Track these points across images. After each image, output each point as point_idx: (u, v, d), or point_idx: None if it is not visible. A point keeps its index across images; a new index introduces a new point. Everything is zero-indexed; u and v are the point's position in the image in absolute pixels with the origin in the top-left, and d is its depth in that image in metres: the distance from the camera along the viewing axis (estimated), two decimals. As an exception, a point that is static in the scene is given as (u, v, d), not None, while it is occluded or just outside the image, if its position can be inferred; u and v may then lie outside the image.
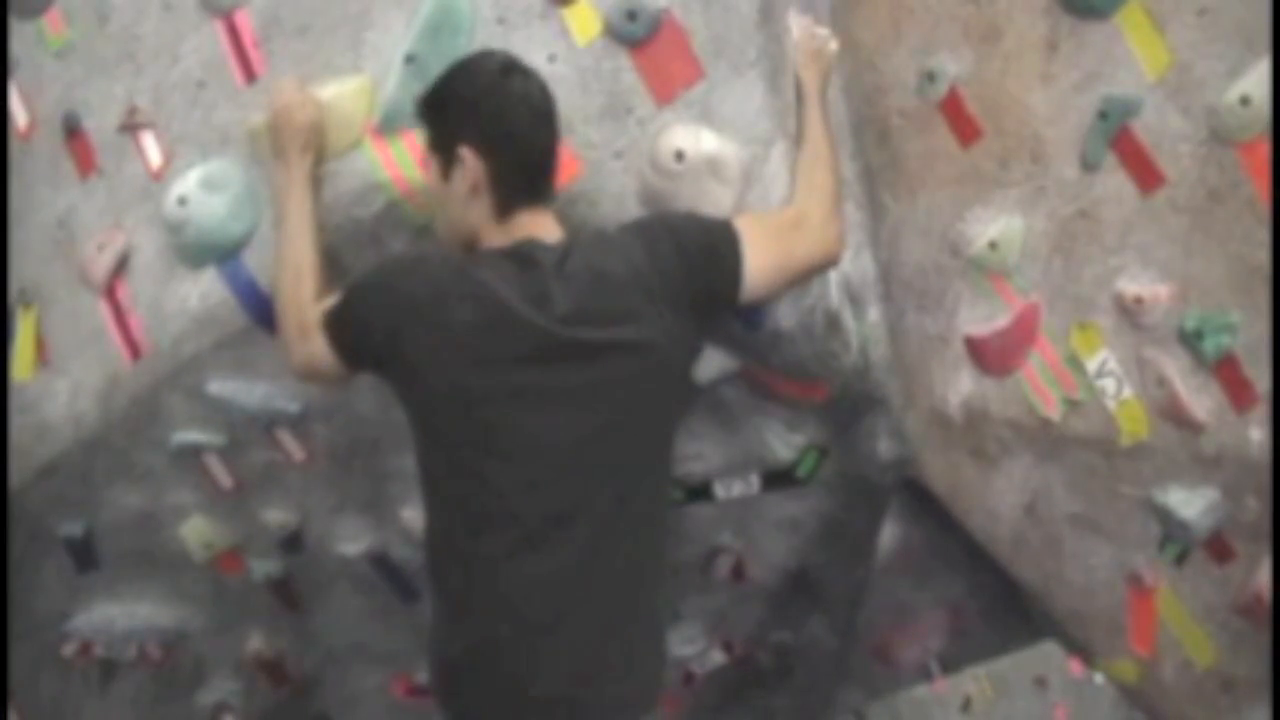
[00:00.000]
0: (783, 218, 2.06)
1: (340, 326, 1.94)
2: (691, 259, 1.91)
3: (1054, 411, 2.26)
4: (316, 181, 2.08)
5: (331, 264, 2.09)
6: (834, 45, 2.23)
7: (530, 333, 1.81)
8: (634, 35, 2.08)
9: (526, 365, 1.82)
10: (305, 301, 1.98)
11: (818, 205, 2.07)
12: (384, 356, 1.90)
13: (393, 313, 1.87)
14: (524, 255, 1.86)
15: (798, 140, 2.14)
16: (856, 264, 2.35)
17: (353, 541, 2.49)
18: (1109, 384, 2.20)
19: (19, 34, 2.41)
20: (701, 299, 1.93)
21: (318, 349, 1.96)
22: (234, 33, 2.20)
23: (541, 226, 1.91)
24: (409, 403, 1.93)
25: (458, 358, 1.83)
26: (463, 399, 1.84)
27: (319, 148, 2.06)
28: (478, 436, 1.85)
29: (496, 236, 1.90)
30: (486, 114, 1.87)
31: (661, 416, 1.97)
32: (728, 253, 1.95)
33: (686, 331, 1.93)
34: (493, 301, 1.81)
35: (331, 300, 1.97)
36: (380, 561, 2.52)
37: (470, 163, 1.87)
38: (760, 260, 1.97)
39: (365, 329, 1.90)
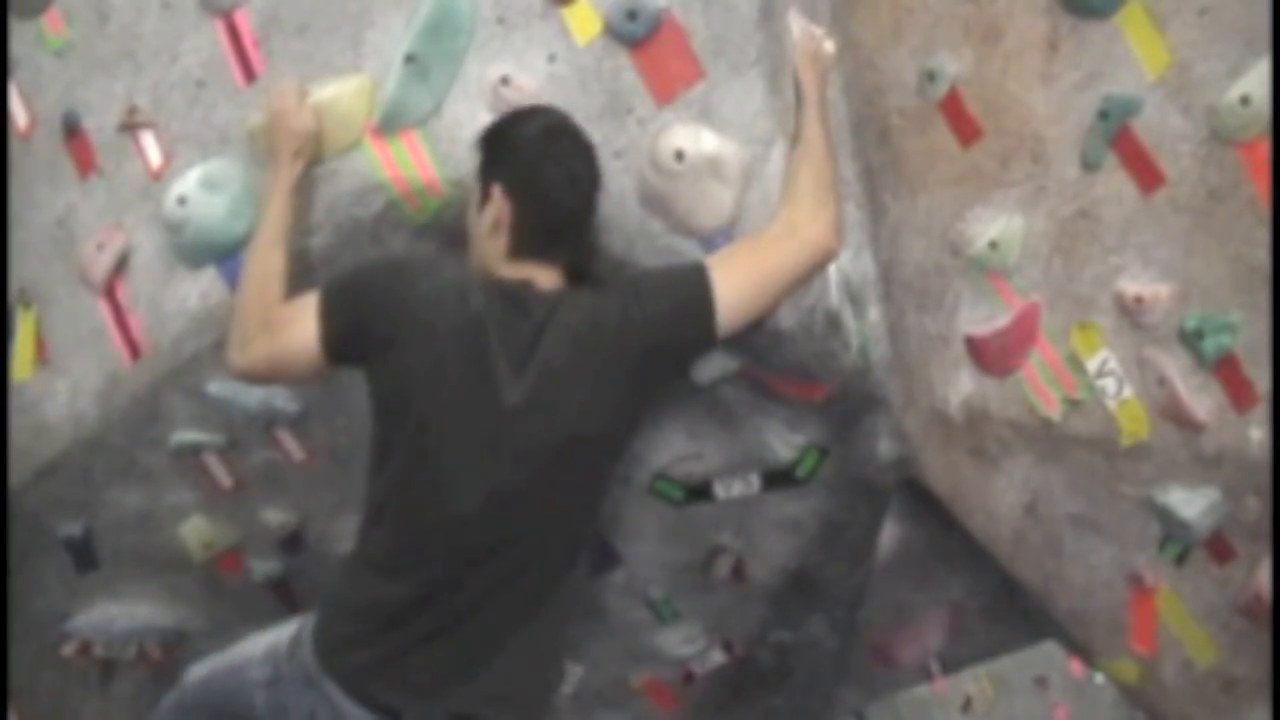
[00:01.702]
0: (764, 235, 2.06)
1: (341, 306, 1.95)
2: (660, 325, 1.96)
3: (1054, 411, 2.26)
4: (310, 184, 2.08)
5: (330, 264, 2.09)
6: (831, 46, 2.23)
7: (494, 400, 1.90)
8: (634, 35, 2.08)
9: (482, 416, 1.91)
10: (271, 301, 2.00)
11: (804, 206, 2.05)
12: (375, 341, 1.93)
13: (401, 309, 1.92)
14: (519, 300, 1.93)
15: (794, 140, 2.15)
16: (856, 264, 2.34)
17: (352, 541, 2.49)
18: (1109, 384, 2.20)
19: (19, 34, 2.41)
20: (674, 353, 2.03)
21: (292, 339, 1.96)
22: (233, 32, 2.20)
23: (543, 276, 1.98)
24: (379, 397, 1.98)
25: (432, 374, 1.90)
26: (420, 404, 1.92)
27: (311, 154, 2.07)
28: (421, 442, 1.93)
29: (504, 270, 1.98)
30: (523, 164, 1.96)
31: (594, 482, 2.08)
32: (697, 302, 1.98)
33: (641, 399, 2.04)
34: (478, 349, 1.90)
35: (335, 281, 1.99)
36: (380, 561, 2.52)
37: (498, 202, 1.95)
38: (735, 292, 1.99)
39: (372, 310, 1.94)
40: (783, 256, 2.03)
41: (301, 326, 1.95)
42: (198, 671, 2.26)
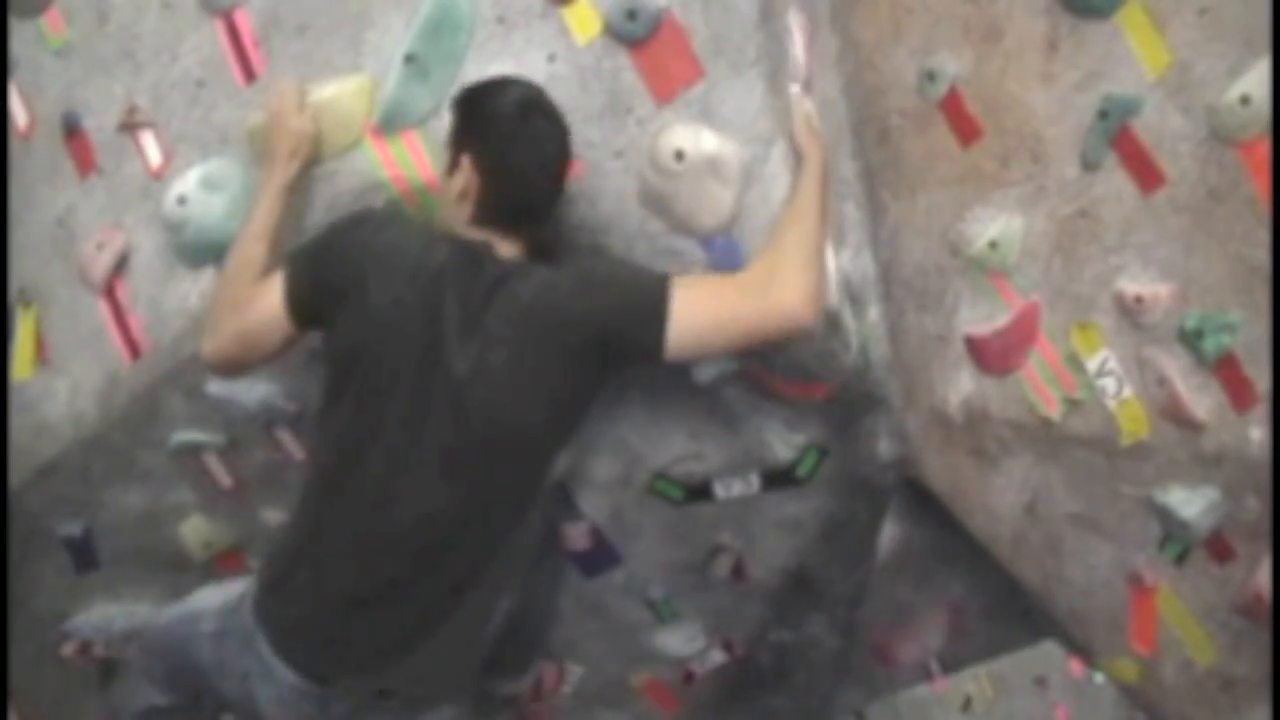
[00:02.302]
0: (740, 278, 2.02)
1: (305, 262, 1.97)
2: (605, 318, 1.94)
3: (1054, 411, 2.26)
4: (310, 184, 2.08)
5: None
6: (809, 106, 2.20)
7: (442, 366, 1.90)
8: (634, 35, 2.08)
9: (430, 382, 1.91)
10: (244, 284, 2.01)
11: (784, 266, 1.97)
12: (336, 289, 1.93)
13: (363, 252, 1.94)
14: (477, 260, 1.94)
15: (787, 201, 2.08)
16: (856, 264, 2.35)
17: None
18: (1109, 383, 2.20)
19: (19, 34, 2.41)
20: (616, 349, 1.97)
21: (258, 311, 1.97)
22: (233, 32, 2.21)
23: (505, 245, 1.98)
24: (332, 352, 1.99)
25: (388, 321, 1.91)
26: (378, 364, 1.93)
27: (307, 156, 2.07)
28: (367, 403, 1.93)
29: (468, 232, 1.99)
30: (495, 138, 1.95)
31: (526, 481, 2.06)
32: (649, 310, 1.94)
33: (574, 397, 2.01)
34: (434, 303, 1.90)
35: (300, 244, 2.01)
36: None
37: (466, 171, 1.95)
38: (692, 318, 1.94)
39: (335, 258, 1.95)
40: (748, 309, 1.96)
41: (267, 297, 1.97)
42: (162, 616, 2.28)
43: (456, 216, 1.99)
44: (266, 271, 2.01)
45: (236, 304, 2.00)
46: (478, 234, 1.98)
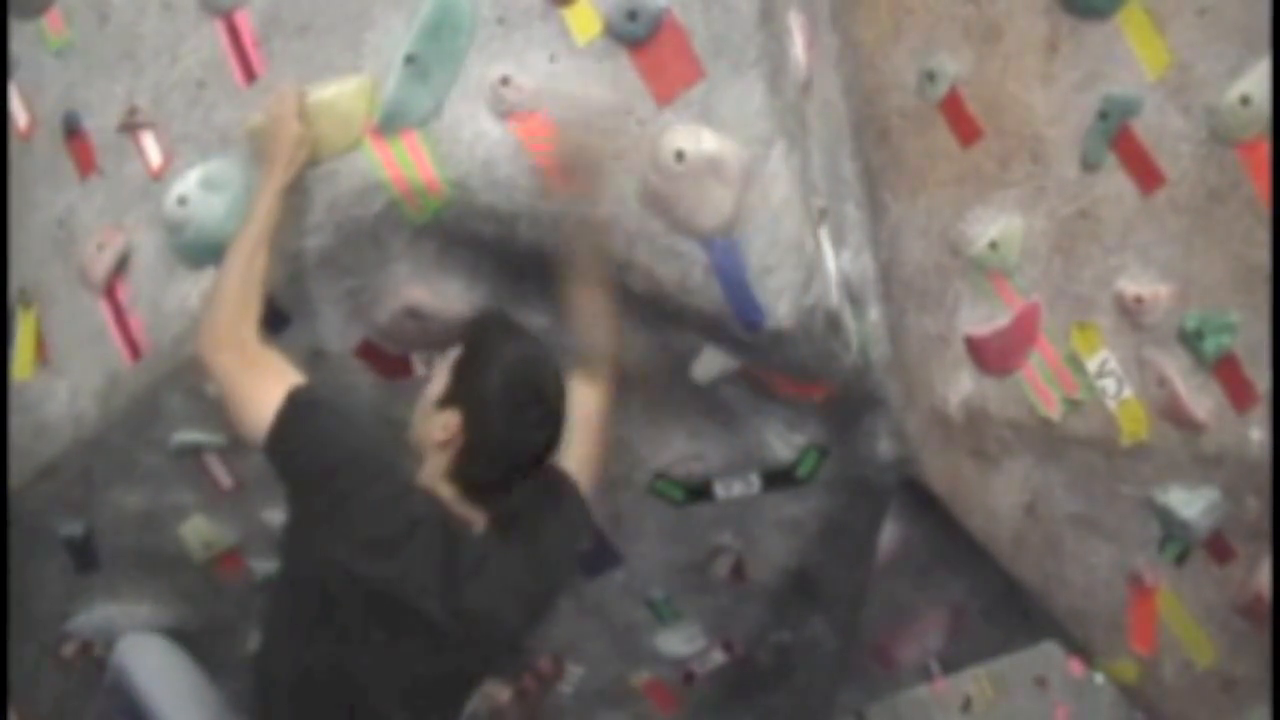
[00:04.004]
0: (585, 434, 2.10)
1: (307, 439, 1.90)
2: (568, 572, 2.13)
3: (1054, 411, 2.26)
4: (310, 184, 2.08)
5: (330, 264, 2.09)
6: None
7: (420, 624, 1.89)
8: (634, 35, 2.08)
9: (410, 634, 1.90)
10: (250, 309, 1.95)
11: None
12: (318, 494, 1.88)
13: (347, 498, 1.87)
14: (455, 542, 1.90)
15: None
16: (856, 264, 2.35)
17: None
18: (1109, 384, 2.20)
19: (19, 34, 2.41)
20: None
21: (250, 400, 1.90)
22: (234, 32, 2.20)
23: (473, 512, 1.94)
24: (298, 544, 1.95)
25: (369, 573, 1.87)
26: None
27: (305, 160, 2.06)
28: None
29: (441, 490, 1.92)
30: (492, 417, 1.90)
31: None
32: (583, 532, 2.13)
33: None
34: (406, 579, 1.87)
35: (300, 395, 1.91)
36: (380, 561, 2.52)
37: (453, 428, 1.90)
38: (588, 484, 2.10)
39: (327, 473, 1.88)
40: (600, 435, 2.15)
41: (263, 398, 1.89)
42: (134, 674, 2.32)
43: (434, 462, 1.93)
44: (265, 275, 2.00)
45: (243, 348, 1.92)
46: (455, 499, 1.92)
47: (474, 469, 1.92)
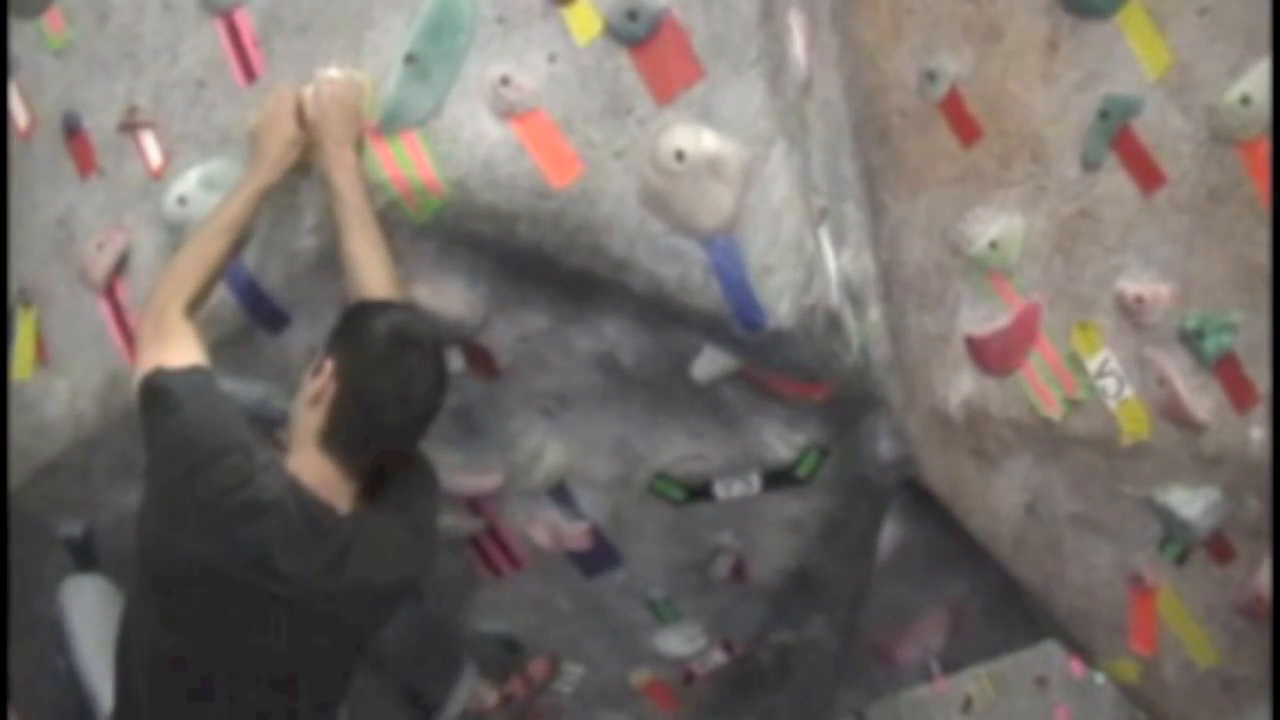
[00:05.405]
0: None
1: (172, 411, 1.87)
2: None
3: (1055, 411, 2.26)
4: (309, 184, 2.07)
5: (330, 264, 2.08)
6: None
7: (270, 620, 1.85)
8: (634, 35, 2.08)
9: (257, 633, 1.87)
10: (187, 293, 1.95)
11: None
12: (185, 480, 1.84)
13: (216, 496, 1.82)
14: (317, 525, 1.85)
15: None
16: (856, 264, 2.35)
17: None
18: (1110, 384, 2.20)
19: (19, 34, 2.41)
20: None
21: (174, 359, 1.89)
22: (234, 32, 2.20)
23: (341, 494, 1.88)
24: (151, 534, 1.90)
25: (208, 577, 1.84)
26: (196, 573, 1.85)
27: (294, 162, 2.05)
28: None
29: (306, 468, 1.87)
30: (361, 361, 1.87)
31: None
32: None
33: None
34: (261, 568, 1.82)
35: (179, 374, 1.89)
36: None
37: (326, 376, 1.87)
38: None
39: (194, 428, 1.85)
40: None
41: (183, 355, 1.89)
42: (70, 614, 2.34)
43: (304, 427, 1.89)
44: (220, 265, 1.99)
45: (160, 329, 1.92)
46: (318, 474, 1.86)
47: (348, 421, 1.86)
